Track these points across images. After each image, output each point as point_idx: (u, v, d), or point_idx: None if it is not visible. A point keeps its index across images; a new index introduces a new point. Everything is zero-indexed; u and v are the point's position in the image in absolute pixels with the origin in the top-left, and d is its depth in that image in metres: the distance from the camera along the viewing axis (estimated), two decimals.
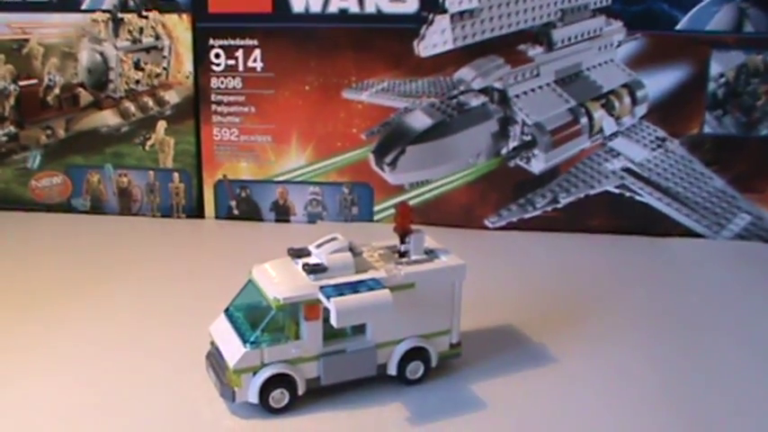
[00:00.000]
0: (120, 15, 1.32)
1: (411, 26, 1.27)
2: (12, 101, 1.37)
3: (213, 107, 1.34)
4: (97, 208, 1.41)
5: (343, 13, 1.28)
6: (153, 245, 1.27)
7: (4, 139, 1.39)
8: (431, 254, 0.86)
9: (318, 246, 0.83)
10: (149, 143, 1.37)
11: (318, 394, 0.82)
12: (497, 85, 1.28)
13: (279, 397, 0.80)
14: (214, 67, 1.33)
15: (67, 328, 0.98)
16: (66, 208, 1.41)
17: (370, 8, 1.27)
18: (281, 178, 1.36)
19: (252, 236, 1.31)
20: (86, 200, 1.40)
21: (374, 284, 0.79)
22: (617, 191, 1.31)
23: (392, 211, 1.32)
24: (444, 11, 1.26)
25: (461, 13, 1.26)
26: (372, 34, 1.28)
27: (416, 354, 0.85)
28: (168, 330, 0.97)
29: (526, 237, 1.31)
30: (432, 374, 0.86)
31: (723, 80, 1.26)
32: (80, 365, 0.90)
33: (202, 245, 1.28)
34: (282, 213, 1.37)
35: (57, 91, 1.37)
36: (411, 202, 1.28)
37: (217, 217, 1.39)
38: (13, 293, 1.08)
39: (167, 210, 1.40)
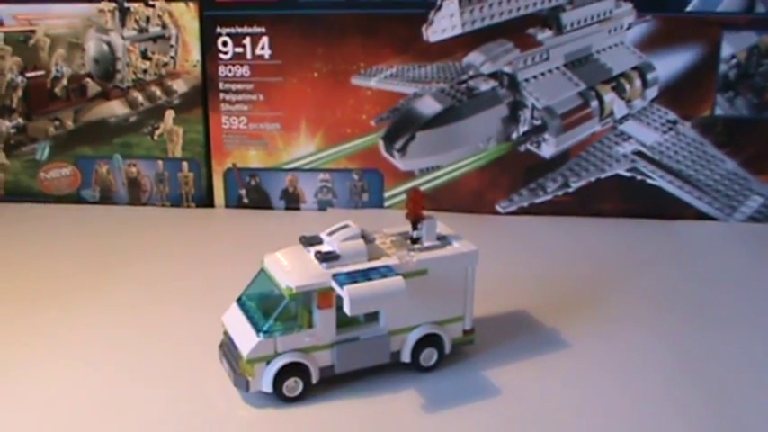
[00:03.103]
0: (126, 5, 1.32)
1: (419, 11, 1.26)
2: (20, 93, 1.37)
3: (221, 96, 1.34)
4: (106, 198, 1.41)
5: None
6: (163, 235, 1.26)
7: (13, 131, 1.38)
8: (443, 240, 0.85)
9: (330, 233, 0.82)
10: (158, 133, 1.37)
11: (332, 382, 0.82)
12: (507, 69, 1.27)
13: (292, 386, 0.80)
14: (222, 56, 1.32)
15: (79, 319, 0.98)
16: (75, 199, 1.41)
17: None
18: (290, 166, 1.35)
19: (262, 224, 1.31)
20: (96, 191, 1.40)
21: (387, 271, 0.79)
22: (628, 174, 1.30)
23: (403, 197, 1.31)
24: None
25: None
26: (380, 20, 1.28)
27: (430, 341, 0.84)
28: (181, 320, 0.97)
29: (537, 221, 1.31)
30: (445, 361, 0.86)
31: (734, 61, 1.25)
32: (92, 356, 0.90)
33: (213, 234, 1.28)
34: (292, 201, 1.37)
35: (64, 82, 1.36)
36: (422, 188, 1.28)
37: (227, 206, 1.38)
38: (24, 285, 1.08)
39: (177, 199, 1.39)
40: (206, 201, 1.39)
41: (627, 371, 0.86)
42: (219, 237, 1.26)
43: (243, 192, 1.37)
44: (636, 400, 0.81)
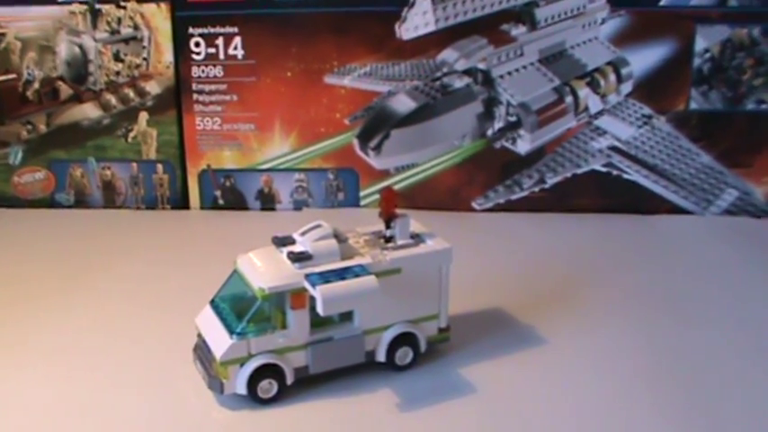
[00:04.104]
0: (97, 6, 1.31)
1: (392, 9, 1.26)
2: None
3: (195, 96, 1.33)
4: (81, 202, 1.40)
5: None
6: (138, 237, 1.26)
7: None
8: (417, 238, 0.85)
9: (303, 233, 0.82)
10: (131, 135, 1.36)
11: (307, 383, 0.81)
12: (481, 65, 1.27)
13: (267, 387, 0.79)
14: (194, 56, 1.31)
15: (53, 323, 0.97)
16: (49, 203, 1.40)
17: None
18: (265, 166, 1.35)
19: (238, 225, 1.30)
20: (70, 194, 1.39)
21: (360, 271, 0.78)
22: (604, 169, 1.30)
23: (378, 195, 1.30)
24: None
25: None
26: (353, 18, 1.27)
27: (405, 339, 0.84)
28: (155, 323, 0.97)
29: (514, 218, 1.30)
30: (421, 360, 0.86)
31: (708, 55, 1.26)
32: (66, 359, 0.89)
33: (188, 236, 1.27)
34: (268, 201, 1.36)
35: (36, 85, 1.35)
36: (397, 186, 1.29)
37: (202, 207, 1.38)
38: None
39: (152, 201, 1.38)
40: (181, 202, 1.38)
41: (604, 365, 0.86)
42: (195, 238, 1.26)
43: (218, 193, 1.37)
44: (613, 394, 0.81)
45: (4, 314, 1.00)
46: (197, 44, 1.31)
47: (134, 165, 1.37)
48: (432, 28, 1.26)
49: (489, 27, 1.27)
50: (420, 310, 0.85)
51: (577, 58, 1.29)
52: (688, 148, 1.28)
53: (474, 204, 1.33)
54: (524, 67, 1.29)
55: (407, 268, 0.82)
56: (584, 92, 1.29)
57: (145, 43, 1.32)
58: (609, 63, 1.28)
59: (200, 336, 0.83)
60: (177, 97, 1.34)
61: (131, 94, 1.34)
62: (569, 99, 1.29)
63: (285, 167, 1.34)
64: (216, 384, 0.79)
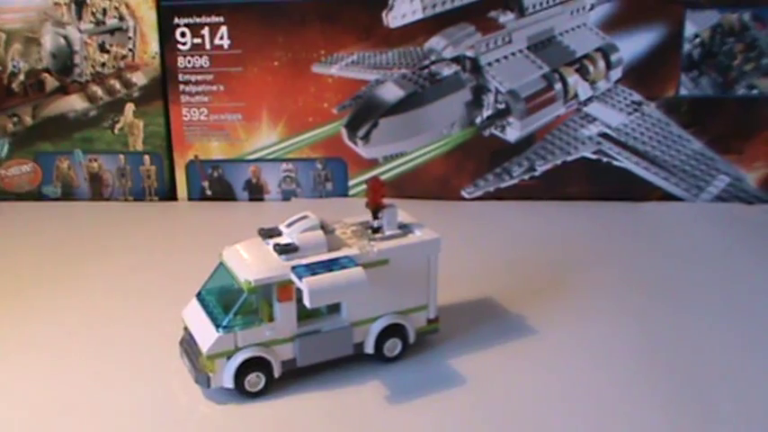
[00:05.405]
0: None
1: None
2: None
3: (181, 87, 1.32)
4: (68, 194, 1.39)
5: None
6: (126, 229, 1.25)
7: None
8: (404, 229, 0.84)
9: (289, 225, 0.81)
10: (118, 126, 1.35)
11: (295, 376, 0.81)
12: (469, 53, 1.27)
13: (255, 381, 0.79)
14: (180, 47, 1.30)
15: (41, 315, 0.97)
16: (36, 196, 1.39)
17: None
18: (253, 156, 1.34)
19: (226, 216, 1.30)
20: (57, 187, 1.38)
21: (347, 262, 0.78)
22: (594, 157, 1.30)
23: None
24: None
25: None
26: (340, 6, 1.26)
27: (393, 331, 0.83)
28: (142, 316, 0.96)
29: (504, 206, 1.30)
30: (410, 351, 0.85)
31: (698, 41, 1.25)
32: (53, 353, 0.88)
33: (176, 228, 1.26)
34: (256, 192, 1.36)
35: (21, 77, 1.34)
36: (386, 176, 1.28)
37: (190, 198, 1.37)
38: None
39: (139, 193, 1.38)
40: (169, 194, 1.37)
41: (595, 354, 0.86)
42: (183, 230, 1.25)
43: (206, 184, 1.36)
44: (605, 382, 0.81)
45: None
46: (183, 34, 1.30)
47: (121, 156, 1.36)
48: (419, 15, 1.26)
49: (477, 14, 1.26)
50: (408, 301, 0.84)
51: (566, 44, 1.28)
52: (678, 134, 1.28)
53: (463, 193, 1.33)
54: (513, 54, 1.28)
55: (395, 259, 0.81)
56: (573, 79, 1.28)
57: (130, 34, 1.31)
58: (598, 49, 1.27)
59: (186, 329, 0.83)
60: (164, 88, 1.33)
61: (117, 85, 1.33)
62: (558, 86, 1.28)
63: (273, 157, 1.34)
64: (202, 378, 0.78)
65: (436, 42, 1.27)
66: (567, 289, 1.01)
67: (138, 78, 1.33)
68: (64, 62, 1.33)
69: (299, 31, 1.28)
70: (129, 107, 1.34)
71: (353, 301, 0.81)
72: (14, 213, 1.33)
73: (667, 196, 1.30)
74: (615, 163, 1.30)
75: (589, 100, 1.29)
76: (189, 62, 1.31)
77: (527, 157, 1.31)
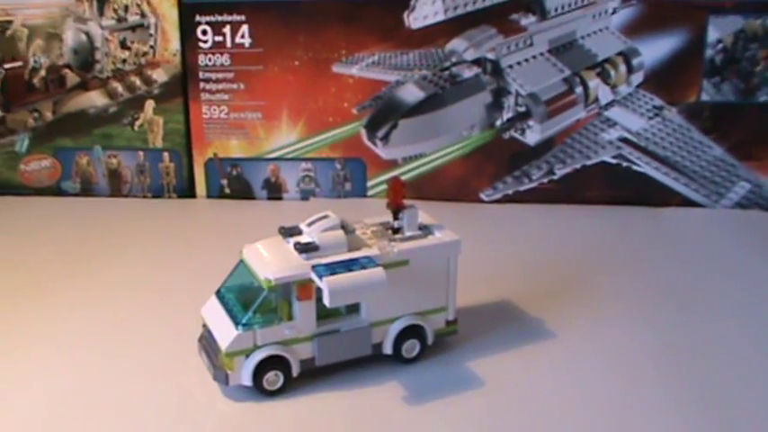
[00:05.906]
0: None
1: None
2: None
3: (201, 85, 1.32)
4: (87, 190, 1.39)
5: None
6: (144, 226, 1.25)
7: None
8: (425, 230, 0.84)
9: (310, 224, 0.81)
10: (138, 123, 1.35)
11: (313, 375, 0.81)
12: (490, 55, 1.26)
13: (273, 379, 0.79)
14: (201, 44, 1.30)
15: (59, 312, 0.97)
16: (55, 191, 1.39)
17: None
18: (272, 155, 1.34)
19: (244, 214, 1.30)
20: (76, 182, 1.39)
21: (367, 262, 0.78)
22: (614, 161, 1.29)
23: (386, 186, 1.30)
24: None
25: None
26: (362, 6, 1.26)
27: (412, 332, 0.83)
28: (161, 313, 0.96)
29: (522, 209, 1.30)
30: (428, 353, 0.85)
31: (721, 46, 1.24)
32: (71, 349, 0.88)
33: (194, 225, 1.26)
34: (275, 191, 1.36)
35: (43, 73, 1.34)
36: (405, 177, 1.28)
37: (208, 196, 1.37)
38: (3, 277, 1.07)
39: (158, 190, 1.38)
40: (187, 191, 1.38)
41: (613, 358, 0.86)
42: (201, 228, 1.25)
43: (224, 182, 1.36)
44: (623, 387, 0.80)
45: (10, 301, 1.00)
46: (204, 32, 1.30)
47: (140, 153, 1.36)
48: (441, 17, 1.25)
49: (499, 16, 1.25)
50: (427, 303, 0.84)
51: (588, 48, 1.28)
52: (699, 140, 1.27)
53: (482, 195, 1.33)
54: (534, 57, 1.28)
55: (415, 260, 0.81)
56: (594, 82, 1.28)
57: (151, 31, 1.31)
58: (619, 53, 1.27)
59: (205, 326, 0.83)
60: (184, 85, 1.33)
61: (138, 81, 1.34)
62: (579, 90, 1.28)
63: (292, 157, 1.34)
64: (221, 376, 0.78)
65: (457, 44, 1.26)
66: (585, 293, 1.01)
67: (159, 75, 1.33)
68: (85, 58, 1.34)
69: (321, 30, 1.28)
70: (149, 104, 1.34)
71: (373, 302, 0.81)
72: (33, 208, 1.34)
73: (687, 202, 1.29)
74: (635, 168, 1.29)
75: (610, 104, 1.29)
76: (210, 60, 1.31)
77: (546, 160, 1.30)
